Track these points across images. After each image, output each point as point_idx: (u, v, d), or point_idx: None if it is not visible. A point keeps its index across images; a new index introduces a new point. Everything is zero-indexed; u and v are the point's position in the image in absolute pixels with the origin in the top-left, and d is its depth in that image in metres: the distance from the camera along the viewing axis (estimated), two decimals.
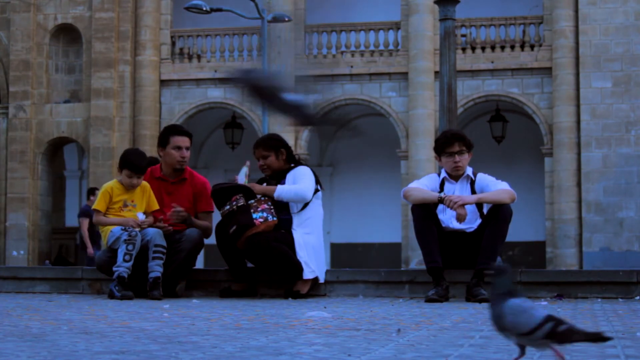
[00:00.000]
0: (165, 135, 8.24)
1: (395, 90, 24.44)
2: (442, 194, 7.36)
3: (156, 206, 8.08)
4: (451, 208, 7.27)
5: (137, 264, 7.83)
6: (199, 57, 25.51)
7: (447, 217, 7.52)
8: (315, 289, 7.82)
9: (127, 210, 8.05)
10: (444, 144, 7.62)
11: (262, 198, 7.70)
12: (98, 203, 8.08)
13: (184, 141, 8.14)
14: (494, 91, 24.08)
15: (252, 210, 7.64)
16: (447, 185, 7.62)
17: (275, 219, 7.64)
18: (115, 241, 7.82)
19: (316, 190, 7.87)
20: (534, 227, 24.90)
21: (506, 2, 25.59)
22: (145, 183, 8.14)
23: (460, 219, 7.31)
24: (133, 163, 7.96)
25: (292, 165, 7.99)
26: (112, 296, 7.62)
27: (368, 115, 26.16)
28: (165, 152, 8.16)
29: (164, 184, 8.19)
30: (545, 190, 23.75)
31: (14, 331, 4.42)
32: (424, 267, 7.59)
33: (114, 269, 7.71)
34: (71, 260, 25.68)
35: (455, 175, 7.64)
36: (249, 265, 8.02)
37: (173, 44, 25.81)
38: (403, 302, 7.14)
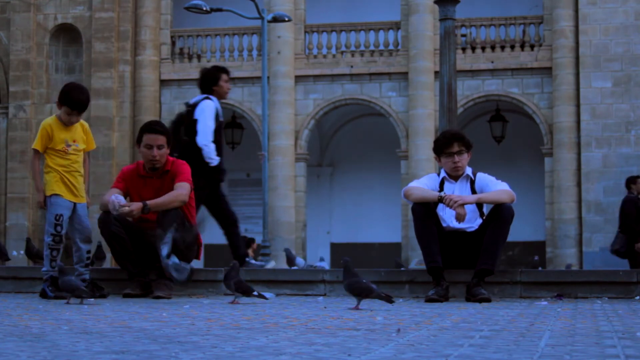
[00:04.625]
0: (140, 132, 7.99)
1: (395, 90, 24.44)
2: (442, 193, 7.36)
3: (94, 145, 8.07)
4: (451, 207, 7.27)
5: (142, 260, 7.89)
6: (199, 57, 25.51)
7: (447, 216, 7.52)
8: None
9: (72, 151, 7.83)
10: (443, 145, 7.62)
11: None
12: (37, 142, 7.82)
13: (155, 139, 7.82)
14: (494, 91, 24.08)
15: None
16: (446, 185, 7.62)
17: None
18: (57, 209, 7.72)
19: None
20: (534, 227, 24.91)
21: (506, 2, 25.60)
22: (83, 122, 8.00)
23: (459, 218, 7.31)
24: (73, 99, 7.73)
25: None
26: (44, 296, 7.69)
27: (368, 115, 26.17)
28: (140, 150, 7.98)
29: (149, 180, 7.98)
30: (545, 190, 23.75)
31: (14, 331, 4.42)
32: (424, 267, 7.60)
33: (44, 270, 7.79)
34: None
35: (454, 175, 7.64)
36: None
37: (173, 44, 25.80)
38: (403, 302, 7.14)
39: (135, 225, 8.02)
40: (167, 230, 7.42)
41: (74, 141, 7.86)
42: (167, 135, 7.94)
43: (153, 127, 7.99)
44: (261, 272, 8.89)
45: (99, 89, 24.83)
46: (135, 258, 7.91)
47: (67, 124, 7.81)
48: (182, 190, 7.79)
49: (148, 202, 7.72)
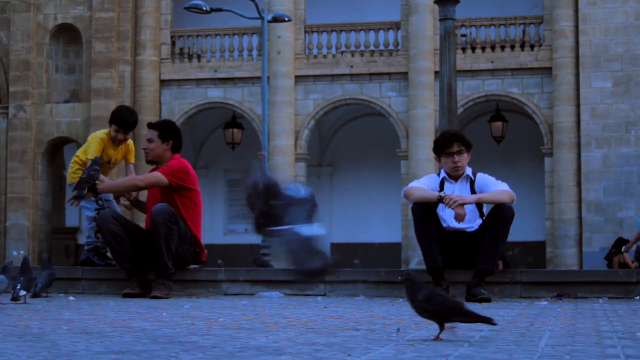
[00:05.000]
0: None
1: (395, 90, 24.43)
2: (442, 193, 7.36)
3: (132, 160, 8.72)
4: (450, 207, 7.27)
5: (141, 259, 7.92)
6: (199, 57, 25.51)
7: (447, 216, 7.52)
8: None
9: (109, 167, 8.62)
10: (443, 145, 7.62)
11: None
12: (95, 151, 8.37)
13: (147, 134, 8.33)
14: (494, 91, 24.08)
15: None
16: (446, 185, 7.61)
17: None
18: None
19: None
20: (534, 227, 24.90)
21: (506, 2, 25.59)
22: (130, 141, 8.68)
23: (458, 218, 7.30)
24: (121, 118, 8.44)
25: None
26: (90, 264, 8.35)
27: (368, 115, 26.17)
28: None
29: None
30: (545, 190, 23.75)
31: (14, 331, 4.42)
32: (424, 267, 7.60)
33: (91, 240, 8.48)
34: (70, 260, 25.70)
35: (454, 175, 7.64)
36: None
37: (173, 44, 25.80)
38: (403, 302, 7.14)
39: (136, 224, 8.10)
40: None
41: (115, 160, 8.66)
42: (159, 130, 8.26)
43: (149, 123, 8.49)
44: (262, 272, 8.89)
45: (99, 89, 24.83)
46: (134, 257, 7.92)
47: (113, 141, 8.49)
48: (140, 177, 8.29)
49: (100, 185, 8.08)
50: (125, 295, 7.77)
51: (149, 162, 8.35)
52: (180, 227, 7.92)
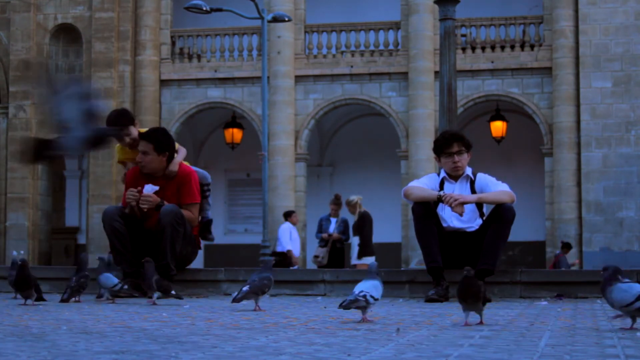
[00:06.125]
0: None
1: (395, 90, 24.43)
2: (441, 192, 7.36)
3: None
4: (449, 205, 7.27)
5: (140, 260, 7.88)
6: (199, 57, 25.51)
7: (447, 216, 7.52)
8: None
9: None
10: (443, 145, 7.62)
11: None
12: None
13: (141, 145, 7.96)
14: (494, 91, 24.08)
15: None
16: (446, 185, 7.62)
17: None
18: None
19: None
20: (534, 227, 24.90)
21: (506, 2, 25.59)
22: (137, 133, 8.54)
23: (459, 212, 7.31)
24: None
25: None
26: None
27: (368, 115, 26.17)
28: None
29: (151, 179, 8.01)
30: (545, 190, 23.75)
31: (14, 331, 4.42)
32: (424, 267, 7.59)
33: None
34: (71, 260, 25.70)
35: (454, 175, 7.64)
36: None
37: (173, 44, 25.80)
38: (403, 302, 7.14)
39: (140, 224, 8.03)
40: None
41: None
42: (153, 143, 7.92)
43: (142, 133, 8.11)
44: None
45: (99, 89, 24.81)
46: (132, 258, 7.90)
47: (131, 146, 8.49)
48: (194, 216, 8.06)
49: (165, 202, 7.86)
50: (115, 295, 7.74)
51: (145, 174, 8.02)
52: (187, 228, 7.93)
